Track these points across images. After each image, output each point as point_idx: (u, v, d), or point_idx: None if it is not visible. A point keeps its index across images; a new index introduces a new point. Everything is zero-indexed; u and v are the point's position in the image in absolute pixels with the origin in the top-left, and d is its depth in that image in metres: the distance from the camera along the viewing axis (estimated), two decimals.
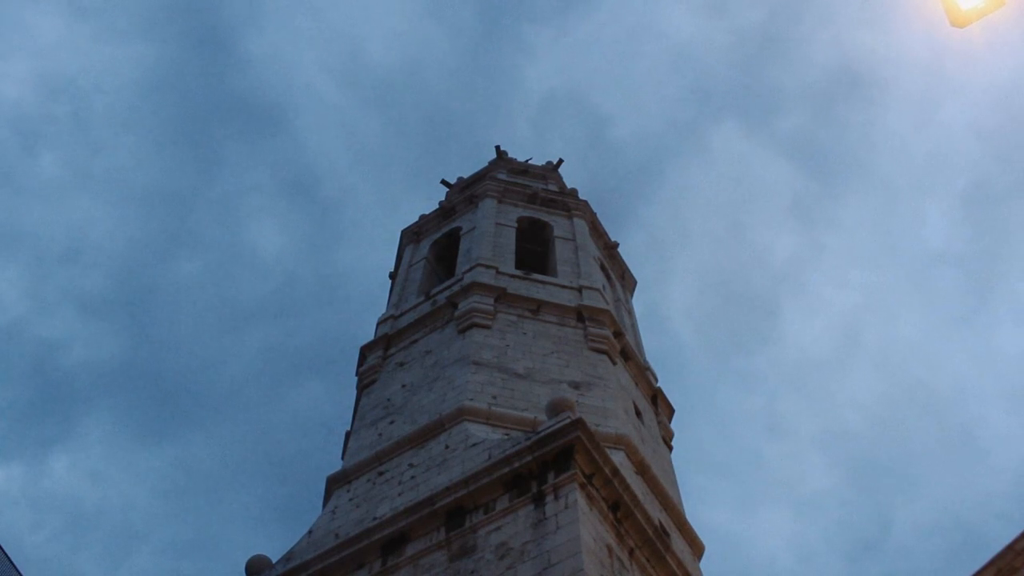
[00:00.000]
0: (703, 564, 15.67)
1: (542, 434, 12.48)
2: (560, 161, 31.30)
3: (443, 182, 30.31)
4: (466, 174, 29.98)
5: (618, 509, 12.28)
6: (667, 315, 58.32)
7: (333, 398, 60.60)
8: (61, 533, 52.32)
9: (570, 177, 30.77)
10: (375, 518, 13.63)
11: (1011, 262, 60.92)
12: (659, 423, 18.84)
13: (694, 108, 71.55)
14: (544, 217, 24.46)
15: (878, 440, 59.78)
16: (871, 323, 64.18)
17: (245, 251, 63.52)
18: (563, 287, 20.04)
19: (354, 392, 19.52)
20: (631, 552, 12.16)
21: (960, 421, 58.20)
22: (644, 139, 70.94)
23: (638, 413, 17.53)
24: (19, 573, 18.59)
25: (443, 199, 28.01)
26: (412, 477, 14.31)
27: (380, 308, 22.89)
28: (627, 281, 25.50)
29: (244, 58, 67.66)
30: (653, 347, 32.19)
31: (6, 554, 18.43)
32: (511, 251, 21.92)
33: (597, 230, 25.28)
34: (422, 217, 26.32)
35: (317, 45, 70.49)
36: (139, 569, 53.32)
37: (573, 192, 26.93)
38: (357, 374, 19.40)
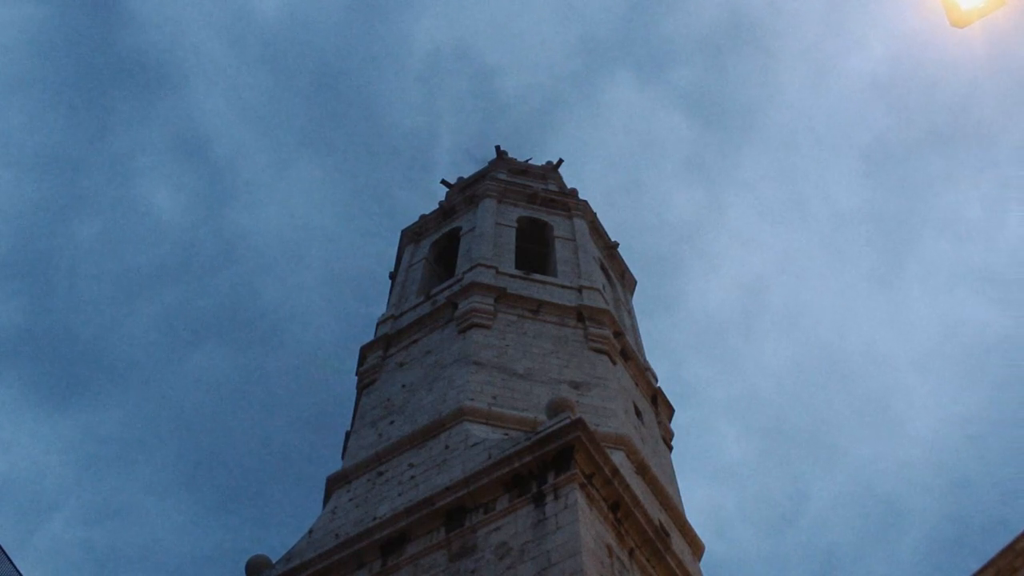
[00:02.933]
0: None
1: (542, 434, 12.48)
2: (560, 161, 31.35)
3: (443, 182, 30.34)
4: (356, 130, 29.22)
5: (618, 509, 12.28)
6: None
7: (235, 361, 60.17)
8: None
9: (459, 135, 30.29)
10: (375, 518, 13.63)
11: (922, 223, 59.33)
12: (659, 423, 18.85)
13: (583, 60, 70.13)
14: (544, 217, 24.47)
15: (790, 408, 58.59)
16: (778, 285, 62.51)
17: (141, 213, 63.10)
18: (563, 287, 20.04)
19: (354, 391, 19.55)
20: (631, 552, 12.16)
21: (873, 387, 56.75)
22: (533, 92, 69.84)
23: (638, 413, 17.53)
24: (18, 572, 18.59)
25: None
26: (412, 477, 14.31)
27: (281, 268, 22.73)
28: (627, 281, 25.52)
29: (132, 17, 66.58)
30: None
31: (5, 553, 18.43)
32: (511, 251, 21.92)
33: (597, 230, 25.30)
34: (422, 217, 26.35)
35: (204, 3, 69.21)
36: (52, 538, 53.44)
37: (573, 192, 26.93)
38: (357, 374, 19.41)
